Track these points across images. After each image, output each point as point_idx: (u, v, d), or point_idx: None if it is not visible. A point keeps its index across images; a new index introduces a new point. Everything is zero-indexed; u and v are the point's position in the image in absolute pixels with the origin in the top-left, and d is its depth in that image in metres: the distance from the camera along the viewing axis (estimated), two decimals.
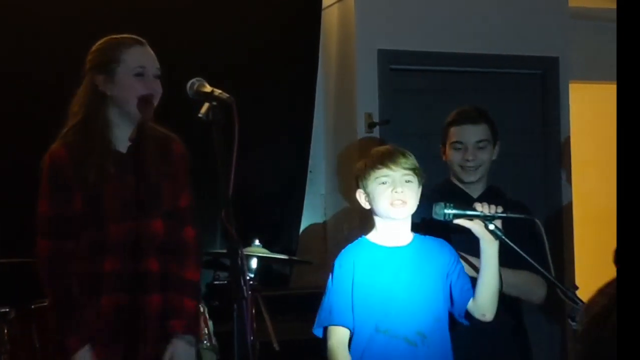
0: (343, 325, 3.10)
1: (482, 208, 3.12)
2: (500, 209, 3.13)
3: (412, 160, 3.14)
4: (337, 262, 3.19)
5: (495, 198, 3.36)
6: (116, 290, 3.04)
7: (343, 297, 3.11)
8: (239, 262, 2.56)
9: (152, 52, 3.12)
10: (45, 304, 3.56)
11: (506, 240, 3.10)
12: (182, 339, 3.07)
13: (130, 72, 3.05)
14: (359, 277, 3.10)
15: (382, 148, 3.26)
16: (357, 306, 3.09)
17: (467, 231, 3.19)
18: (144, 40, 3.14)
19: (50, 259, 3.02)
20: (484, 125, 3.56)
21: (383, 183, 3.09)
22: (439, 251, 3.19)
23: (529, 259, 3.12)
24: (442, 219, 3.15)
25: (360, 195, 3.18)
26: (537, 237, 3.23)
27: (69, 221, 3.03)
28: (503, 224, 3.16)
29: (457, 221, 3.14)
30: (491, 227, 3.10)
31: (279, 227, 5.09)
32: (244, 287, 2.54)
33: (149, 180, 3.05)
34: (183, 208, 3.16)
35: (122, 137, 3.10)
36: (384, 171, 3.09)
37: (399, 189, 3.07)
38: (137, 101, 3.03)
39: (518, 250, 3.11)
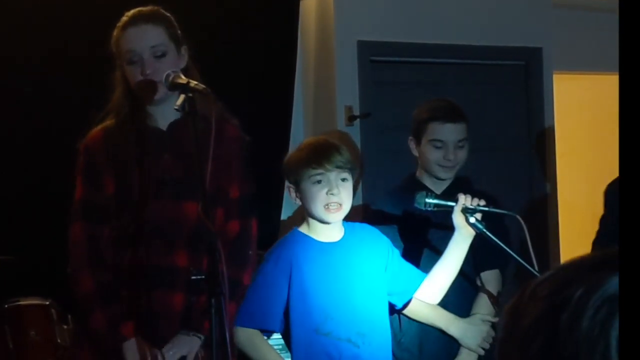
0: (273, 330, 3.04)
1: (464, 200, 3.06)
2: (482, 202, 3.07)
3: (347, 156, 3.03)
4: (272, 257, 3.07)
5: (460, 191, 3.29)
6: (137, 285, 2.91)
7: (275, 298, 3.00)
8: (216, 256, 2.49)
9: (151, 27, 2.96)
10: (19, 303, 3.47)
11: (487, 233, 3.05)
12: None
13: (124, 60, 2.96)
14: (296, 275, 3.01)
15: (314, 141, 3.13)
16: (295, 307, 2.99)
17: (440, 224, 3.18)
18: (143, 15, 2.98)
19: (87, 242, 2.95)
20: (463, 124, 3.47)
21: (318, 182, 2.98)
22: (371, 242, 3.13)
23: (512, 252, 3.07)
24: (422, 207, 3.10)
25: (290, 191, 3.07)
26: (508, 232, 3.23)
27: (101, 207, 2.94)
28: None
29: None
30: (472, 220, 3.05)
31: (257, 223, 5.02)
32: (222, 282, 2.47)
33: (188, 160, 2.83)
34: (232, 199, 3.00)
35: (164, 115, 2.97)
36: (319, 170, 2.98)
37: (335, 191, 2.97)
38: (137, 88, 2.92)
39: (499, 243, 3.05)
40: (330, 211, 2.98)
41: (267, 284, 3.01)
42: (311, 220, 3.07)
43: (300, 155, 3.04)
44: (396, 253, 3.14)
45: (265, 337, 3.08)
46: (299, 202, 3.06)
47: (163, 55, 2.93)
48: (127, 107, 2.97)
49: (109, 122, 3.00)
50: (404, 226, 3.38)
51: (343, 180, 3.00)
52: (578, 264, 1.10)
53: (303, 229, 3.11)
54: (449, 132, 3.43)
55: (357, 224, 3.17)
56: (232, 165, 2.99)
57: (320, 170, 2.97)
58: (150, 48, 2.92)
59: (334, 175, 2.98)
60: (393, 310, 3.21)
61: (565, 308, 1.04)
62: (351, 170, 3.03)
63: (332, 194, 2.96)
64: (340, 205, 2.99)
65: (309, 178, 2.98)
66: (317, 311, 2.98)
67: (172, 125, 2.97)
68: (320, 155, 2.99)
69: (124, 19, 2.99)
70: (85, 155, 3.00)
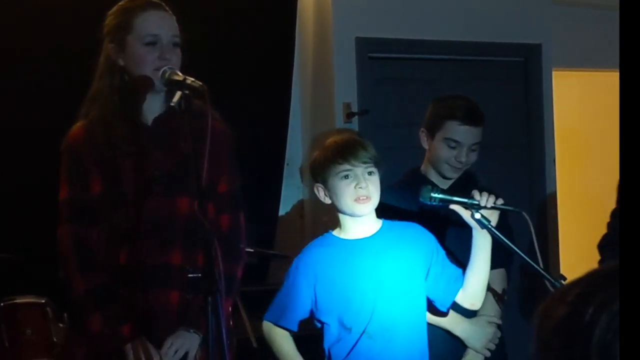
0: (288, 329, 3.09)
1: (478, 197, 3.02)
2: (500, 201, 3.03)
3: (372, 151, 3.04)
4: (296, 262, 3.11)
5: (466, 187, 3.26)
6: (132, 285, 2.86)
7: (293, 301, 3.06)
8: (213, 253, 2.46)
9: (170, 16, 2.90)
10: (15, 301, 3.44)
11: (493, 229, 3.01)
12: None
13: (141, 40, 2.84)
14: (322, 276, 3.03)
15: (339, 139, 3.12)
16: (322, 304, 3.02)
17: (444, 219, 3.13)
18: (161, 3, 2.92)
19: (75, 245, 2.88)
20: (480, 128, 3.39)
21: (345, 177, 3.00)
22: (413, 238, 3.10)
23: (518, 250, 3.03)
24: (427, 202, 3.05)
25: (319, 190, 3.08)
26: (512, 230, 3.19)
27: (88, 208, 2.87)
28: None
29: (452, 206, 3.06)
30: (477, 215, 3.01)
31: (255, 220, 5.01)
32: (218, 280, 2.45)
33: (176, 155, 2.76)
34: (221, 193, 2.96)
35: (149, 109, 2.89)
36: (346, 166, 2.99)
37: (362, 185, 2.98)
38: (149, 73, 2.81)
39: (506, 241, 3.02)
40: (359, 202, 2.99)
41: (288, 286, 3.08)
42: (342, 220, 3.08)
43: (326, 154, 3.05)
44: (441, 254, 3.10)
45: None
46: (328, 201, 3.06)
47: (178, 45, 2.89)
48: (116, 100, 2.89)
49: (91, 116, 2.90)
50: (407, 220, 3.35)
51: (370, 174, 3.01)
52: (606, 272, 1.13)
53: (335, 232, 3.13)
54: (467, 134, 3.35)
55: (400, 222, 3.15)
56: (220, 159, 2.95)
57: (347, 166, 2.99)
58: (171, 36, 2.87)
59: (360, 170, 3.00)
60: (439, 313, 3.19)
61: (585, 315, 1.08)
62: (377, 164, 3.04)
63: (360, 187, 2.98)
64: (369, 197, 3.00)
65: (336, 174, 3.00)
66: (341, 306, 3.00)
67: (157, 119, 2.91)
68: (346, 151, 3.01)
69: (138, 1, 2.90)
70: (68, 154, 2.92)
